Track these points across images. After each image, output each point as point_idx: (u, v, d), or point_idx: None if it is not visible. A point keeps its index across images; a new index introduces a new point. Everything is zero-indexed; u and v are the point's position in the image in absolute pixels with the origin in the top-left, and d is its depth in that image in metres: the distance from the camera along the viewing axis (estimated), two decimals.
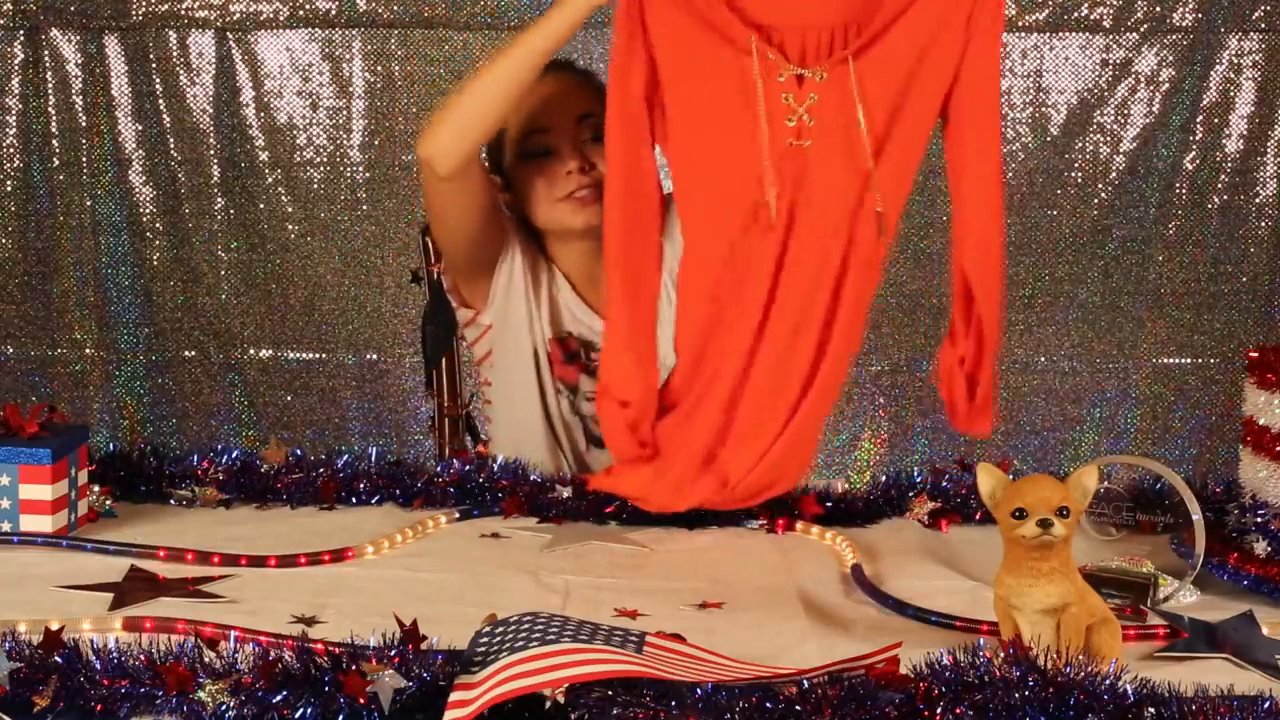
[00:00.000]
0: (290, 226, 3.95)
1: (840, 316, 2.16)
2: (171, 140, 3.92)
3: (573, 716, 1.41)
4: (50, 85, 3.90)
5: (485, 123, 2.32)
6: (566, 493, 2.20)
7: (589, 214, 2.50)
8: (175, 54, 3.89)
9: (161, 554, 1.95)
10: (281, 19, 3.88)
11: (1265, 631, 1.72)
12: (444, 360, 2.84)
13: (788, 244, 2.14)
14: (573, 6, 2.26)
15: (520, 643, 1.46)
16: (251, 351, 4.00)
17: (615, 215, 2.18)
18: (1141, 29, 3.86)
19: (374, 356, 3.99)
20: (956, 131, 2.16)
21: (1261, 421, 1.90)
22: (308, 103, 3.91)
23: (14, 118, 3.92)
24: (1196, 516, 1.90)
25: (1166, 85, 3.88)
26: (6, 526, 2.01)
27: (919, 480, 2.26)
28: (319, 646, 1.53)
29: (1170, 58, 3.87)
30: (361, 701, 1.43)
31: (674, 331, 2.23)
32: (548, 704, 1.40)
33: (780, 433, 2.14)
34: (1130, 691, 1.43)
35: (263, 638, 1.60)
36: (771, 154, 2.11)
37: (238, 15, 3.87)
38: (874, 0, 2.08)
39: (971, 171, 2.17)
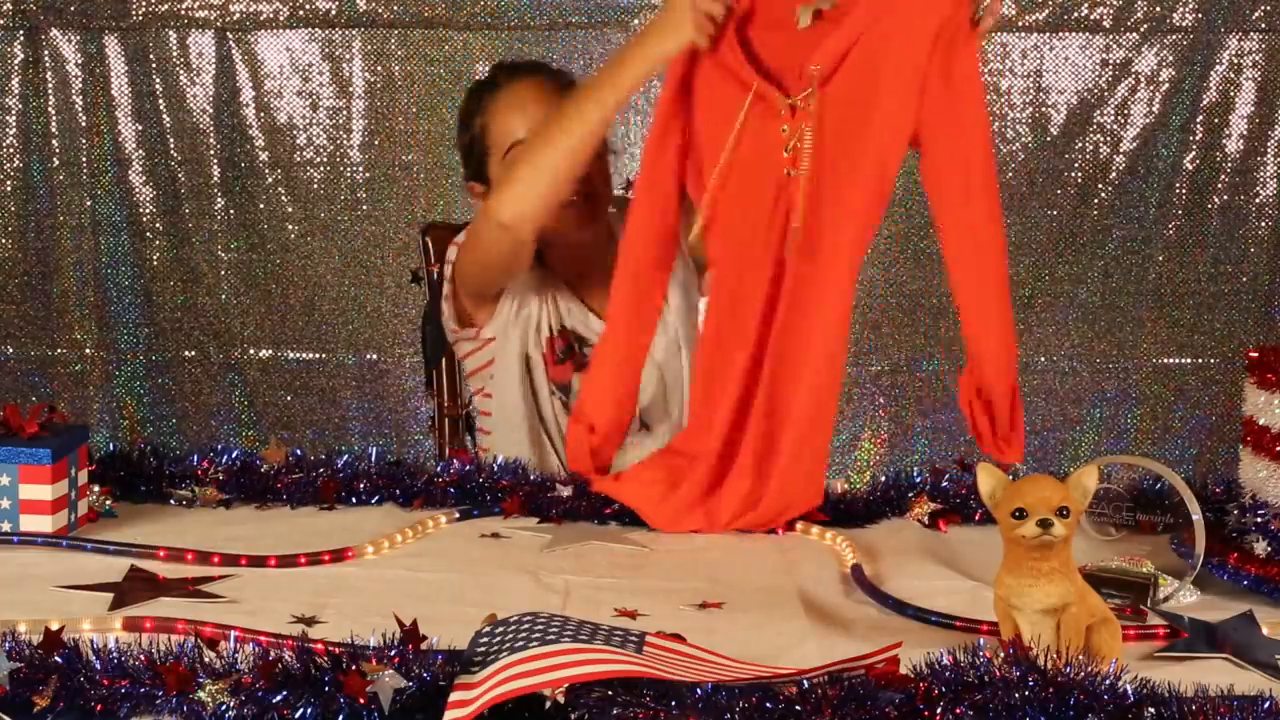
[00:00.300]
0: (290, 226, 3.95)
1: (815, 346, 2.15)
2: (171, 140, 3.92)
3: (573, 716, 1.41)
4: (50, 85, 3.90)
5: (565, 186, 2.34)
6: (567, 492, 2.20)
7: (578, 219, 2.50)
8: (175, 54, 3.89)
9: (161, 554, 1.95)
10: (281, 19, 3.88)
11: (1265, 631, 1.72)
12: (444, 360, 2.84)
13: (781, 274, 2.15)
14: (646, 62, 2.23)
15: (520, 643, 1.46)
16: (251, 351, 4.00)
17: (632, 252, 2.22)
18: (1141, 29, 3.86)
19: (374, 356, 4.00)
20: (930, 159, 2.15)
21: (1261, 421, 1.90)
22: (308, 103, 3.91)
23: (14, 118, 3.92)
24: (1196, 516, 1.90)
25: (1166, 85, 3.88)
26: (6, 526, 2.01)
27: (919, 480, 2.25)
28: (319, 646, 1.53)
29: (1170, 58, 3.87)
30: (361, 701, 1.43)
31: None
32: (548, 704, 1.40)
33: (772, 468, 2.15)
34: (1130, 691, 1.43)
35: (263, 638, 1.60)
36: (768, 185, 2.13)
37: (238, 15, 3.88)
38: (848, 33, 2.10)
39: (952, 213, 2.19)
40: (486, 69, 2.76)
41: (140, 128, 3.92)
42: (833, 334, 2.16)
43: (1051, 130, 3.90)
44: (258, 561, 1.94)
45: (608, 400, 2.25)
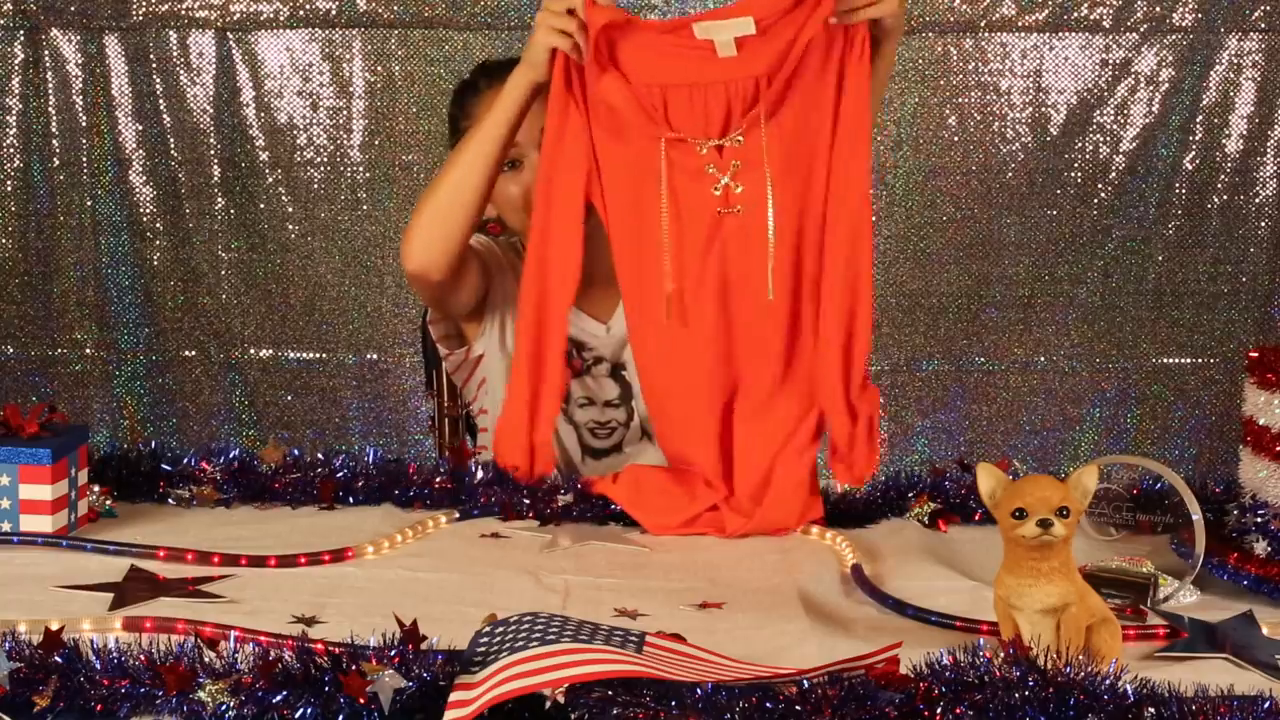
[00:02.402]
0: (290, 226, 3.95)
1: (785, 371, 2.17)
2: (172, 140, 3.92)
3: (573, 716, 1.41)
4: (50, 85, 3.90)
5: (463, 223, 2.36)
6: (567, 499, 2.20)
7: None
8: (175, 54, 3.89)
9: (161, 554, 1.95)
10: (281, 19, 3.88)
11: (1265, 631, 1.72)
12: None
13: (733, 311, 2.17)
14: (513, 90, 2.29)
15: (520, 643, 1.46)
16: (252, 351, 4.00)
17: (533, 284, 2.22)
18: (1141, 29, 3.86)
19: (374, 356, 3.99)
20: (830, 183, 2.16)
21: (1261, 421, 1.90)
22: (308, 103, 3.91)
23: (14, 118, 3.92)
24: (1196, 516, 1.90)
25: (1166, 85, 3.88)
26: (6, 526, 2.01)
27: (919, 480, 2.25)
28: (319, 646, 1.53)
29: (1170, 58, 3.87)
30: (361, 701, 1.43)
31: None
32: (548, 704, 1.40)
33: (764, 492, 2.16)
34: (1130, 691, 1.43)
35: (263, 638, 1.60)
36: (701, 227, 2.14)
37: (238, 15, 3.88)
38: (781, 49, 2.09)
39: (839, 228, 2.16)
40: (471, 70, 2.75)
41: (140, 128, 3.92)
42: (801, 356, 2.18)
43: (1051, 130, 3.90)
44: (258, 561, 1.94)
45: (523, 443, 2.22)
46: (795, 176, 2.14)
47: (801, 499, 2.17)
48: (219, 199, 3.94)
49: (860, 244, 2.14)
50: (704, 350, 2.19)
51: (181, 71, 3.90)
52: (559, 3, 2.17)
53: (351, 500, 2.22)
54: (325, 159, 3.92)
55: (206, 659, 1.49)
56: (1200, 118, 3.89)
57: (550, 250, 2.22)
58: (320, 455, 2.28)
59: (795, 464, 2.17)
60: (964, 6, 3.84)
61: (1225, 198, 3.92)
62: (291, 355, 4.00)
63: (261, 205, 3.93)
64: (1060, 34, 3.87)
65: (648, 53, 2.13)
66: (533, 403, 2.22)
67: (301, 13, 3.87)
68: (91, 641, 1.54)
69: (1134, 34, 3.86)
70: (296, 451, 2.29)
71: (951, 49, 3.87)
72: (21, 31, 3.89)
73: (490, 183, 2.35)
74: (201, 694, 1.45)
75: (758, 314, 2.17)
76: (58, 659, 1.49)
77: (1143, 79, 3.88)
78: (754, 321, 2.18)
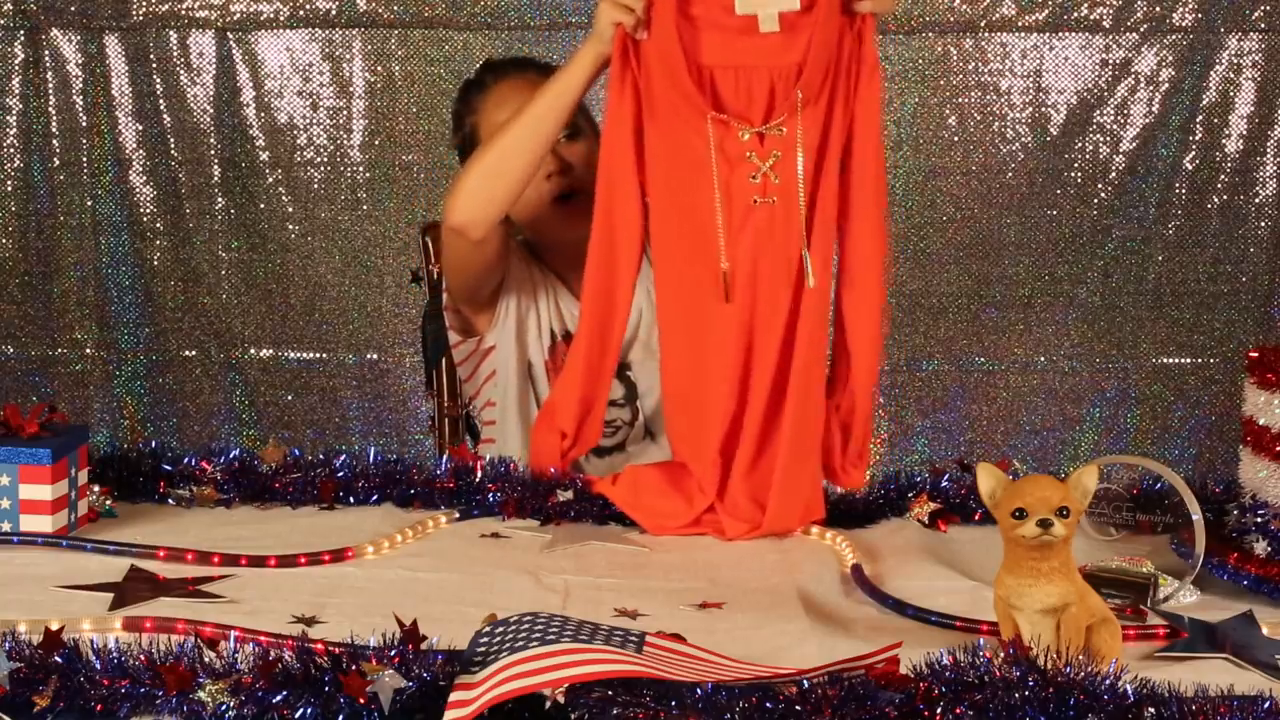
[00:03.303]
0: (290, 226, 3.95)
1: (796, 369, 2.14)
2: (172, 140, 3.92)
3: (573, 716, 1.41)
4: (50, 85, 3.90)
5: (513, 185, 2.35)
6: (567, 495, 2.20)
7: (570, 219, 2.51)
8: (176, 54, 3.89)
9: (161, 554, 1.95)
10: (282, 19, 3.88)
11: (1265, 631, 1.72)
12: (444, 360, 2.84)
13: (756, 303, 2.15)
14: (580, 60, 2.26)
15: (520, 643, 1.46)
16: (252, 351, 4.00)
17: (597, 254, 2.20)
18: (1141, 29, 3.86)
19: (374, 356, 3.99)
20: (847, 177, 2.16)
21: (1261, 421, 1.90)
22: (308, 103, 3.91)
23: (14, 118, 3.92)
24: (1196, 516, 1.90)
25: (1166, 85, 3.88)
26: (6, 526, 2.01)
27: (919, 480, 2.25)
28: (319, 646, 1.53)
29: (1170, 58, 3.87)
30: (361, 701, 1.43)
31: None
32: (548, 704, 1.40)
33: (767, 491, 2.14)
34: (1130, 691, 1.44)
35: (263, 638, 1.60)
36: (735, 213, 2.12)
37: (238, 15, 3.87)
38: (819, 37, 2.07)
39: (855, 224, 2.17)
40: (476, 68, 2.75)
41: (141, 128, 3.91)
42: (816, 354, 2.16)
43: (1051, 130, 3.90)
44: (258, 561, 1.94)
45: (576, 410, 2.23)
46: (829, 170, 2.13)
47: (814, 495, 2.17)
48: (219, 199, 3.94)
49: (879, 243, 2.16)
50: (737, 334, 2.15)
51: (181, 71, 3.90)
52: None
53: (351, 500, 2.22)
54: (325, 159, 3.92)
55: (206, 659, 1.49)
56: (1200, 118, 3.89)
57: (617, 234, 2.19)
58: (320, 455, 2.28)
59: (804, 467, 2.17)
60: (964, 6, 3.84)
61: (1225, 198, 3.91)
62: (291, 355, 4.00)
63: (261, 205, 3.93)
64: (1060, 34, 3.86)
65: (699, 31, 2.10)
66: (594, 379, 2.21)
67: (301, 13, 3.87)
68: (91, 641, 1.54)
69: (1134, 34, 3.86)
70: (297, 451, 2.29)
71: (951, 49, 3.87)
72: (21, 31, 3.89)
73: (545, 150, 2.35)
74: (201, 694, 1.45)
75: (780, 306, 2.15)
76: (58, 659, 1.49)
77: (1143, 79, 3.88)
78: (776, 313, 2.15)
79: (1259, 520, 1.89)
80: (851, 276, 2.19)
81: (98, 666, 1.48)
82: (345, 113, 3.91)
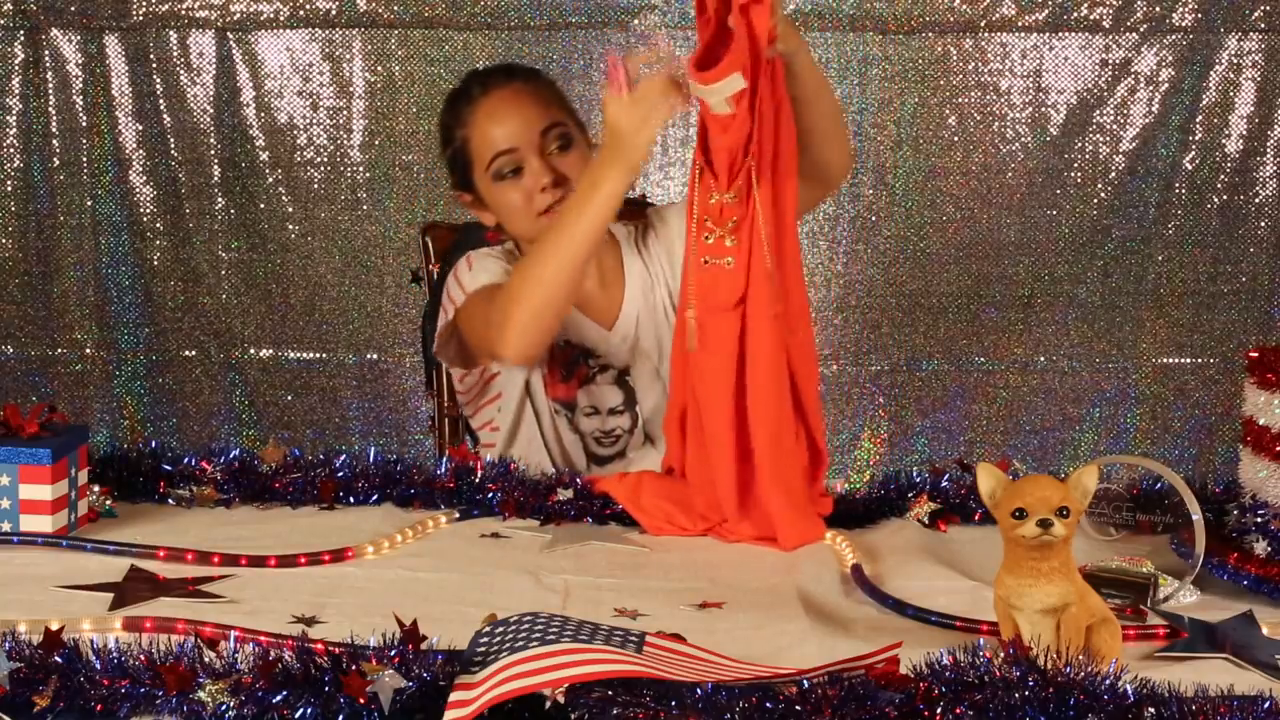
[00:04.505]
0: (290, 226, 3.95)
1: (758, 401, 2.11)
2: (172, 140, 3.92)
3: (573, 716, 1.41)
4: (50, 85, 3.90)
5: (561, 315, 2.35)
6: (567, 494, 2.20)
7: None
8: (175, 54, 3.89)
9: (161, 554, 1.95)
10: (282, 19, 3.88)
11: (1265, 631, 1.72)
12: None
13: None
14: (612, 195, 2.22)
15: (520, 643, 1.46)
16: (252, 351, 4.00)
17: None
18: (1141, 29, 3.86)
19: (374, 356, 4.00)
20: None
21: (1261, 421, 1.90)
22: (308, 103, 3.91)
23: (14, 118, 3.92)
24: (1196, 516, 1.90)
25: (1166, 85, 3.88)
26: (6, 526, 2.01)
27: (919, 480, 2.25)
28: (319, 646, 1.53)
29: (1170, 58, 3.87)
30: (361, 701, 1.43)
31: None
32: (548, 704, 1.40)
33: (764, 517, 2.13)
34: (1130, 691, 1.44)
35: (263, 638, 1.60)
36: (698, 272, 2.10)
37: (238, 15, 3.88)
38: (767, 111, 2.05)
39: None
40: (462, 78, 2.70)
41: (140, 128, 3.92)
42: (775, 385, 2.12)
43: (1051, 130, 3.90)
44: (258, 561, 1.94)
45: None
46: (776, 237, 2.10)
47: (810, 515, 2.14)
48: (219, 199, 3.94)
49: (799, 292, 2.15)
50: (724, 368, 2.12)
51: (181, 71, 3.90)
52: (661, 90, 2.12)
53: (351, 500, 2.22)
54: (325, 159, 3.92)
55: (206, 659, 1.49)
56: (1200, 118, 3.89)
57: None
58: (320, 455, 2.28)
59: (806, 491, 2.15)
60: (964, 6, 3.84)
61: (1225, 198, 3.92)
62: (291, 355, 4.01)
63: (261, 205, 3.94)
64: (1060, 34, 3.87)
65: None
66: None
67: (301, 13, 3.87)
68: (91, 641, 1.54)
69: (1134, 34, 3.86)
70: (297, 451, 2.29)
71: (951, 49, 3.87)
72: (21, 31, 3.89)
73: (582, 276, 2.34)
74: (201, 694, 1.45)
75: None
76: (58, 659, 1.49)
77: (1143, 79, 3.88)
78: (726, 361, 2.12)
79: (1259, 520, 1.89)
80: (791, 324, 2.15)
81: (98, 666, 1.48)
82: (345, 113, 3.91)
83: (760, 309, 2.08)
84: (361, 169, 3.93)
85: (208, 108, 3.91)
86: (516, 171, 2.49)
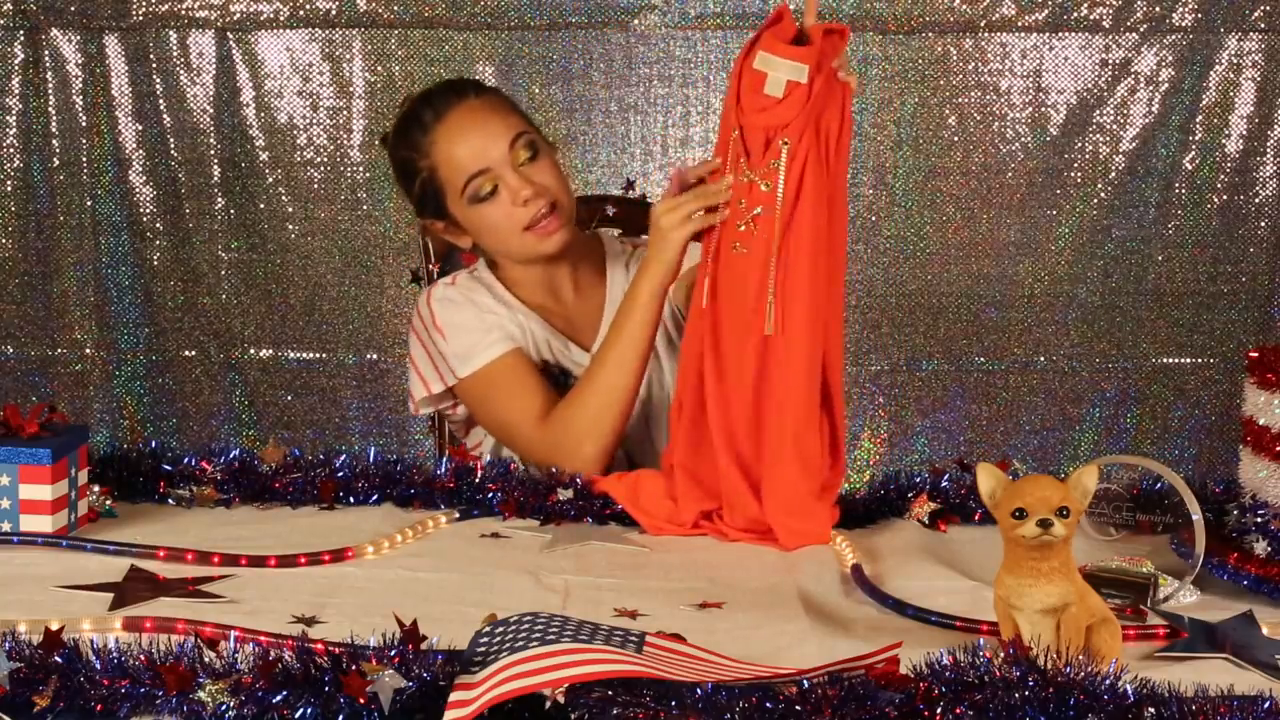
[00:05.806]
0: (290, 226, 3.95)
1: (769, 395, 2.10)
2: (171, 140, 3.92)
3: (573, 716, 1.41)
4: (50, 85, 3.90)
5: (625, 424, 2.38)
6: (566, 495, 2.20)
7: (557, 235, 2.48)
8: (175, 54, 3.89)
9: (161, 554, 1.95)
10: (282, 19, 3.88)
11: (1265, 631, 1.72)
12: None
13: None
14: (652, 299, 2.30)
15: (520, 643, 1.46)
16: (251, 351, 4.00)
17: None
18: (1141, 29, 3.86)
19: (374, 356, 4.00)
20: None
21: (1261, 421, 1.90)
22: (308, 103, 3.91)
23: (14, 118, 3.92)
24: (1196, 516, 1.90)
25: (1166, 85, 3.88)
26: (6, 526, 2.01)
27: (919, 480, 2.25)
28: (319, 646, 1.53)
29: (1170, 58, 3.87)
30: (361, 701, 1.43)
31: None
32: (548, 704, 1.40)
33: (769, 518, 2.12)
34: (1130, 691, 1.44)
35: (263, 638, 1.60)
36: (718, 255, 2.10)
37: (238, 15, 3.88)
38: (814, 105, 2.04)
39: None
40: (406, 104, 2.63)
41: (140, 128, 3.92)
42: (800, 389, 2.10)
43: (1051, 130, 3.90)
44: (258, 561, 1.94)
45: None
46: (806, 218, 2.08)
47: (817, 520, 2.13)
48: (219, 199, 3.94)
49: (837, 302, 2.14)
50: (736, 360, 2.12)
51: (181, 71, 3.90)
52: (706, 195, 2.11)
53: (351, 500, 2.22)
54: (325, 159, 3.92)
55: (206, 659, 1.49)
56: (1200, 118, 3.89)
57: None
58: (320, 455, 2.28)
59: (819, 500, 2.14)
60: (964, 6, 3.84)
61: (1225, 198, 3.92)
62: (291, 355, 4.01)
63: (261, 205, 3.94)
64: (1060, 34, 3.87)
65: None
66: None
67: (301, 13, 3.87)
68: (91, 641, 1.54)
69: (1134, 34, 3.86)
70: (297, 451, 2.29)
71: (951, 49, 3.87)
72: (21, 31, 3.89)
73: (641, 380, 2.36)
74: (201, 694, 1.45)
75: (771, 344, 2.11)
76: (58, 659, 1.49)
77: (1142, 79, 3.88)
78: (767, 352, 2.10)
79: (1259, 520, 1.89)
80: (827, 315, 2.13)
81: (98, 666, 1.48)
82: (345, 113, 3.91)
83: (799, 289, 2.07)
84: (361, 169, 3.93)
85: (208, 108, 3.91)
86: (494, 192, 2.46)
